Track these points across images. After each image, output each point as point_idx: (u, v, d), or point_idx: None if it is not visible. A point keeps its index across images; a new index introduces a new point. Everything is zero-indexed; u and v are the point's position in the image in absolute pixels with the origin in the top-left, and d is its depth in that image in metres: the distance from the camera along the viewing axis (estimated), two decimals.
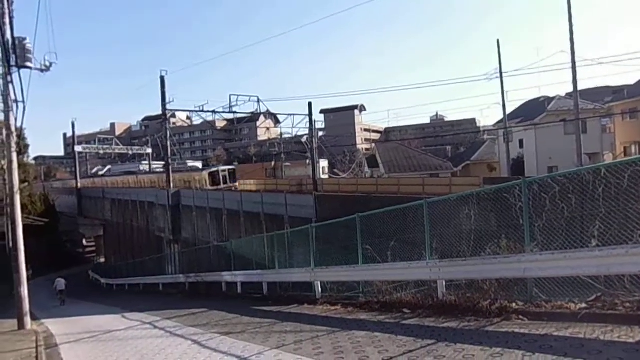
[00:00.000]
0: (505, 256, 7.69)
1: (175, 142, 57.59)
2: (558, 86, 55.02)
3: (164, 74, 38.20)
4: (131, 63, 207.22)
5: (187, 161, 73.67)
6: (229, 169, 46.27)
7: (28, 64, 15.10)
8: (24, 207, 17.74)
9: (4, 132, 16.61)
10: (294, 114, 47.00)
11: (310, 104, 47.60)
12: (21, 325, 15.11)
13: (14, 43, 14.67)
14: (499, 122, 43.23)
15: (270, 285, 16.06)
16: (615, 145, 38.39)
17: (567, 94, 39.75)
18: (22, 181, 18.10)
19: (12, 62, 14.75)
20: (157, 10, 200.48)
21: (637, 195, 6.31)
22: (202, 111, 41.76)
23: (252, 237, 21.53)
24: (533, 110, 41.65)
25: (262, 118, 75.36)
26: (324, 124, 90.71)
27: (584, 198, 7.08)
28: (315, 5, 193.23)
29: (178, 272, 28.92)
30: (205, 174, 44.43)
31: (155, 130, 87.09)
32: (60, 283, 31.42)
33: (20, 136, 46.02)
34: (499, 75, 34.21)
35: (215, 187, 40.47)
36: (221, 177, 43.19)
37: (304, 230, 14.23)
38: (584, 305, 6.77)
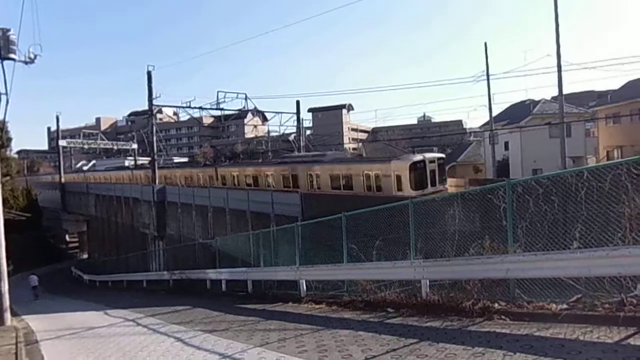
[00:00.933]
0: (489, 257, 7.76)
1: (162, 137, 57.14)
2: (544, 89, 55.82)
3: (151, 69, 37.92)
4: (117, 59, 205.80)
5: (173, 157, 73.16)
6: (437, 159, 25.86)
7: (12, 55, 14.87)
8: (5, 201, 17.46)
9: None
10: (281, 112, 47.11)
11: (298, 103, 47.78)
12: (1, 321, 14.86)
13: None
14: (485, 124, 43.61)
15: (255, 283, 16.02)
16: (599, 149, 38.96)
17: (553, 98, 40.29)
18: (4, 175, 17.79)
19: None
20: (144, 8, 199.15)
21: (617, 198, 6.42)
22: (189, 107, 41.70)
23: (238, 234, 21.46)
24: (519, 113, 42.05)
25: (249, 115, 74.91)
26: (311, 122, 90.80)
27: (567, 200, 7.18)
28: (305, 4, 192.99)
29: (162, 269, 28.77)
30: (403, 165, 23.53)
31: (142, 125, 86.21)
32: (33, 279, 32.52)
33: (3, 129, 45.43)
34: (486, 77, 34.50)
35: (419, 193, 21.19)
36: (428, 172, 24.10)
37: (289, 228, 14.24)
38: (564, 306, 6.87)
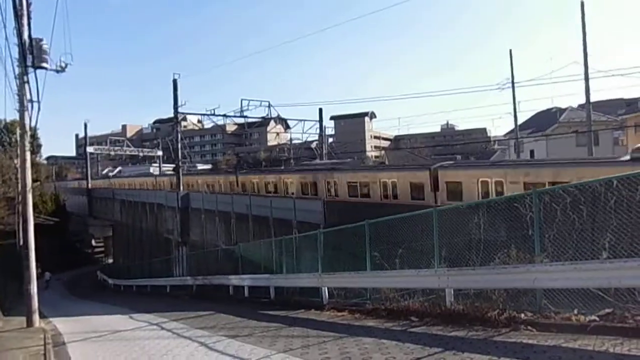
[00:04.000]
0: (515, 266, 7.66)
1: (186, 145, 57.90)
2: (571, 97, 54.94)
3: (176, 77, 38.56)
4: (143, 73, 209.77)
5: (197, 164, 74.00)
6: None
7: (44, 64, 15.26)
8: (34, 206, 17.91)
9: (18, 131, 16.83)
10: (304, 120, 47.35)
11: (320, 110, 47.93)
12: (29, 322, 15.19)
13: (30, 44, 14.87)
14: (510, 132, 43.09)
15: (277, 289, 16.07)
16: None
17: (580, 105, 39.59)
18: (34, 180, 18.26)
19: (29, 63, 14.94)
20: (169, 24, 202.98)
21: None
22: (213, 115, 42.26)
23: (260, 241, 21.55)
24: (545, 121, 41.43)
25: (272, 123, 75.77)
26: (334, 130, 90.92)
27: (596, 209, 7.04)
28: (327, 14, 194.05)
29: (186, 274, 29.00)
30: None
31: (166, 133, 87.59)
32: (47, 275, 42.30)
33: (34, 136, 46.54)
34: (511, 85, 34.14)
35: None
36: None
37: (312, 235, 14.25)
38: (593, 317, 6.72)
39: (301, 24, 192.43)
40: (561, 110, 41.01)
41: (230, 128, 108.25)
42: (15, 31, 14.43)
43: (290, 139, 68.89)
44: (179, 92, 38.67)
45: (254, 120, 45.82)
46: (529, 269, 7.35)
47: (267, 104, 42.60)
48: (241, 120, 46.69)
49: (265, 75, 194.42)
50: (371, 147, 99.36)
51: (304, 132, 49.41)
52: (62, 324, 16.80)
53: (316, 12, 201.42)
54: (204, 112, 43.18)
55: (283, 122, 65.35)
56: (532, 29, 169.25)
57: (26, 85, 14.99)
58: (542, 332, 6.74)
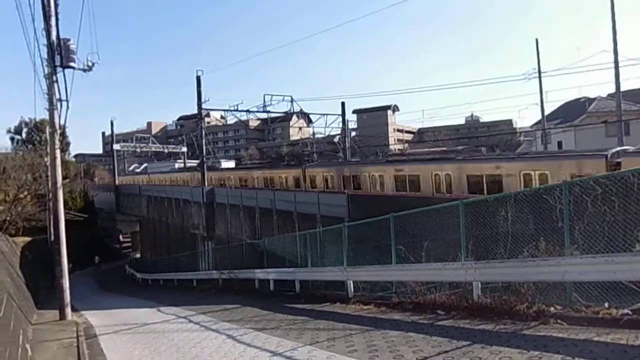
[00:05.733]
0: (544, 259, 7.53)
1: (210, 140, 58.48)
2: (599, 86, 53.60)
3: (200, 73, 38.94)
4: (166, 70, 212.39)
5: (221, 160, 74.70)
6: None
7: (72, 64, 15.59)
8: (64, 202, 18.34)
9: (48, 129, 17.24)
10: (326, 114, 47.23)
11: (343, 104, 47.75)
12: (62, 316, 15.61)
13: (58, 44, 15.18)
14: (536, 123, 42.26)
15: (302, 283, 16.14)
16: None
17: (609, 95, 38.53)
18: (63, 177, 18.70)
19: (57, 62, 15.27)
20: (191, 21, 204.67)
21: None
22: (237, 110, 42.58)
23: (285, 235, 21.67)
24: (573, 111, 40.50)
25: (295, 118, 75.81)
26: (356, 124, 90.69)
27: (628, 201, 6.87)
28: (351, 7, 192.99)
29: (211, 268, 29.36)
30: None
31: (190, 129, 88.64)
32: (97, 259, 50.24)
33: (63, 134, 47.70)
34: (537, 75, 33.44)
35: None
36: None
37: (336, 229, 14.26)
38: (626, 311, 6.58)
39: (323, 18, 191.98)
40: (590, 100, 39.98)
41: (253, 123, 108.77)
42: (44, 32, 14.78)
43: (313, 133, 68.89)
44: (202, 89, 39.09)
45: (276, 115, 46.00)
46: (558, 262, 7.22)
47: (289, 98, 42.76)
48: (264, 116, 47.00)
49: (288, 71, 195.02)
50: (394, 140, 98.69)
51: (326, 126, 49.45)
52: (93, 317, 17.22)
53: (338, 5, 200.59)
54: (227, 108, 43.47)
55: (305, 116, 65.25)
56: (560, 20, 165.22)
57: (55, 85, 15.34)
58: (573, 326, 6.62)
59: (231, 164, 71.10)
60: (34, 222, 44.62)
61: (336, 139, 57.24)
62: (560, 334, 6.34)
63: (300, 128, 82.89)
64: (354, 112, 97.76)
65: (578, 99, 43.71)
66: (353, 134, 70.05)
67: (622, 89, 25.47)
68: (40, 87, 16.00)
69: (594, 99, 39.94)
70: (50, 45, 14.89)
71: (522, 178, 17.69)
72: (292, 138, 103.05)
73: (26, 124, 75.40)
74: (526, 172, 17.57)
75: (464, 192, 19.56)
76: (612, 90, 25.46)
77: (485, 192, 18.44)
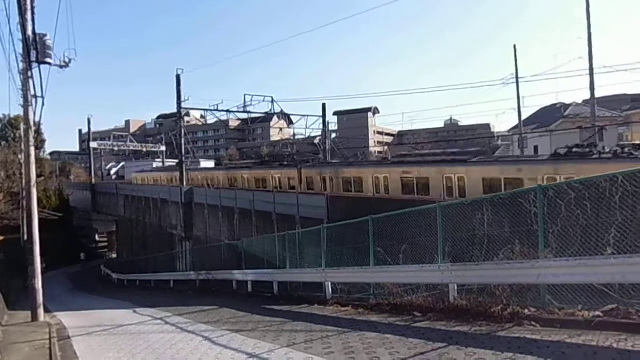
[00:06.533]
0: (519, 262, 7.65)
1: (189, 140, 57.90)
2: (575, 93, 54.62)
3: (179, 72, 38.55)
4: (146, 68, 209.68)
5: (200, 160, 74.04)
6: None
7: (48, 59, 15.28)
8: (39, 201, 17.97)
9: (22, 126, 16.87)
10: (307, 115, 47.21)
11: (324, 106, 47.83)
12: (34, 317, 15.30)
13: (35, 39, 14.87)
14: (513, 127, 42.96)
15: (280, 284, 16.10)
16: None
17: (584, 101, 39.38)
18: (38, 175, 18.32)
19: (33, 58, 14.95)
20: (173, 18, 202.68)
21: None
22: (217, 110, 42.32)
23: (264, 236, 21.58)
24: (549, 117, 41.29)
25: (275, 118, 75.48)
26: (337, 125, 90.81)
27: (600, 205, 7.03)
28: (335, 9, 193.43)
29: (189, 269, 29.13)
30: None
31: (170, 128, 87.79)
32: (82, 255, 51.68)
33: (38, 131, 46.76)
34: (515, 80, 34.00)
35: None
36: None
37: (315, 230, 14.26)
38: (597, 313, 6.72)
39: (306, 20, 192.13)
40: (565, 106, 40.84)
41: (234, 123, 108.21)
42: (19, 26, 14.46)
43: (294, 135, 68.88)
44: (182, 88, 38.72)
45: (257, 115, 45.69)
46: (533, 265, 7.34)
47: (270, 99, 42.62)
48: (244, 116, 46.70)
49: (270, 71, 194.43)
50: (374, 142, 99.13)
51: (307, 127, 49.35)
52: (67, 318, 16.90)
53: (322, 8, 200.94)
54: (207, 108, 43.18)
55: (286, 117, 65.25)
56: (539, 29, 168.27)
57: (30, 81, 15.02)
58: (546, 328, 6.74)
59: (210, 163, 70.39)
60: (6, 221, 43.69)
61: (317, 141, 57.25)
62: (534, 336, 6.44)
63: (281, 129, 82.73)
64: (335, 114, 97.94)
65: (554, 105, 44.60)
66: (334, 135, 70.18)
67: (597, 95, 26.07)
68: (15, 83, 15.67)
69: (570, 104, 40.82)
70: (25, 40, 14.57)
71: (545, 182, 15.31)
72: (272, 139, 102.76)
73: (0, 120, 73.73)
74: (550, 176, 16.12)
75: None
76: (588, 96, 26.03)
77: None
